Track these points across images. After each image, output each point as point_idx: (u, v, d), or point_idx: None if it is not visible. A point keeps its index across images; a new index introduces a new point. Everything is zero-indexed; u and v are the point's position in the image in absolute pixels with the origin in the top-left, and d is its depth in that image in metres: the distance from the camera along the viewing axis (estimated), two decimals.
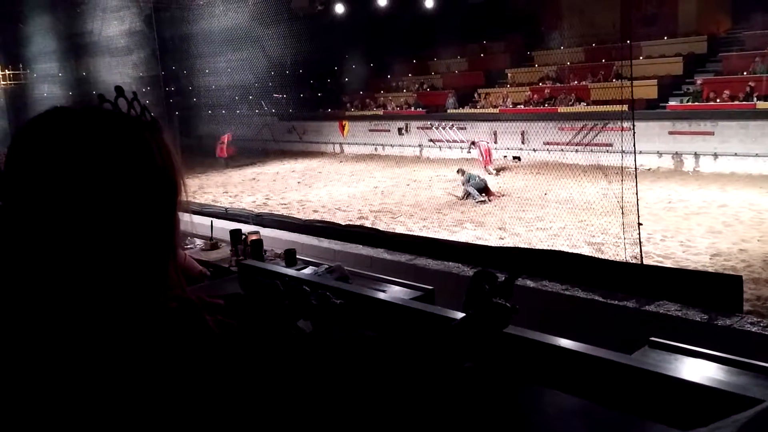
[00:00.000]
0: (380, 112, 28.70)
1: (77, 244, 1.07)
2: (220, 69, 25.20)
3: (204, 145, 25.80)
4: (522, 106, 24.09)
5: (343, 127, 28.61)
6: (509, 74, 26.56)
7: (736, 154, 18.43)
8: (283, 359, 1.57)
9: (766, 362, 2.54)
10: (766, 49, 20.19)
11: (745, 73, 20.26)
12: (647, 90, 20.99)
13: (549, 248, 10.36)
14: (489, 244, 10.39)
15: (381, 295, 3.19)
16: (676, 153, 19.62)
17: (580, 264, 7.10)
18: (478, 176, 16.57)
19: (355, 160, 26.10)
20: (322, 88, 30.41)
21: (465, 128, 23.75)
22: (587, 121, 20.01)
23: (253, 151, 27.11)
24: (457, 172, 17.14)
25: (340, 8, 26.42)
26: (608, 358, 2.14)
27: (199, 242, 6.39)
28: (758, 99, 19.01)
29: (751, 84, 19.42)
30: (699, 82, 21.18)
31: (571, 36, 22.31)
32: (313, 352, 1.84)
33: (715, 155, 18.87)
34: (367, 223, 13.59)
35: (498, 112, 24.15)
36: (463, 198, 16.38)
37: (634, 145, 9.49)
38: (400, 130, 26.76)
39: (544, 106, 23.40)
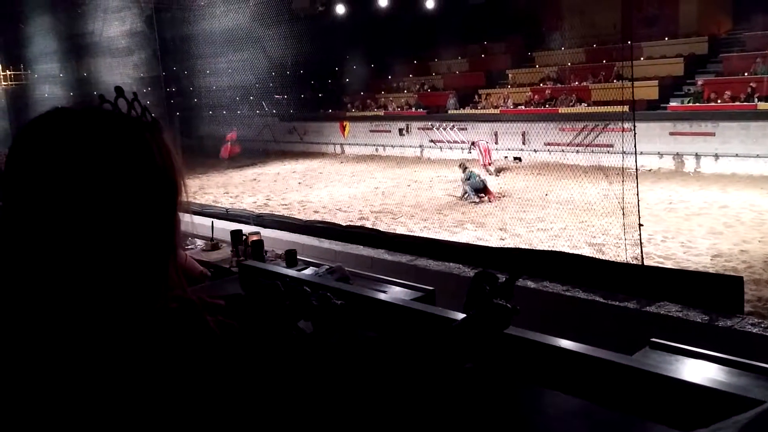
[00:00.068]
0: (381, 112, 28.69)
1: (77, 244, 1.07)
2: (221, 70, 25.20)
3: (205, 146, 25.81)
4: (523, 107, 24.09)
5: (343, 128, 28.61)
6: (510, 75, 26.55)
7: (737, 155, 18.42)
8: (284, 360, 1.57)
9: (767, 363, 2.53)
10: (767, 50, 20.20)
11: (746, 74, 20.25)
12: (648, 91, 20.98)
13: (550, 249, 10.37)
14: (490, 245, 10.38)
15: (382, 296, 3.19)
16: (677, 154, 19.61)
17: (580, 265, 7.09)
18: (479, 176, 16.55)
19: (355, 160, 26.10)
20: (323, 88, 30.41)
21: (466, 129, 23.76)
22: (588, 122, 19.99)
23: (254, 152, 27.13)
24: (459, 166, 17.12)
25: (341, 9, 26.42)
26: (609, 359, 2.14)
27: (199, 243, 6.39)
28: (759, 100, 18.99)
29: (752, 85, 19.41)
30: (700, 82, 21.17)
31: (572, 37, 22.30)
32: (313, 353, 1.84)
33: (716, 156, 18.86)
34: (368, 224, 13.59)
35: (499, 112, 24.15)
36: (462, 197, 16.38)
37: (635, 146, 9.50)
38: (400, 130, 26.75)
39: (544, 106, 23.39)
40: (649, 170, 18.96)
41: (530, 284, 6.56)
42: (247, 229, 6.30)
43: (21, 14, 23.52)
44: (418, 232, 12.83)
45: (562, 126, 20.78)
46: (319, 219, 13.70)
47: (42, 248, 1.07)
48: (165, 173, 1.16)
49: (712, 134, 19.03)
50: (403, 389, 1.72)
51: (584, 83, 22.96)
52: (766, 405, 1.02)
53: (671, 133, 19.77)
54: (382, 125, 27.68)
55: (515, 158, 21.49)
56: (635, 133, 9.57)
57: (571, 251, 10.31)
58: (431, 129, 25.41)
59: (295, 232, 9.76)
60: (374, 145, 27.51)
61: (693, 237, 11.85)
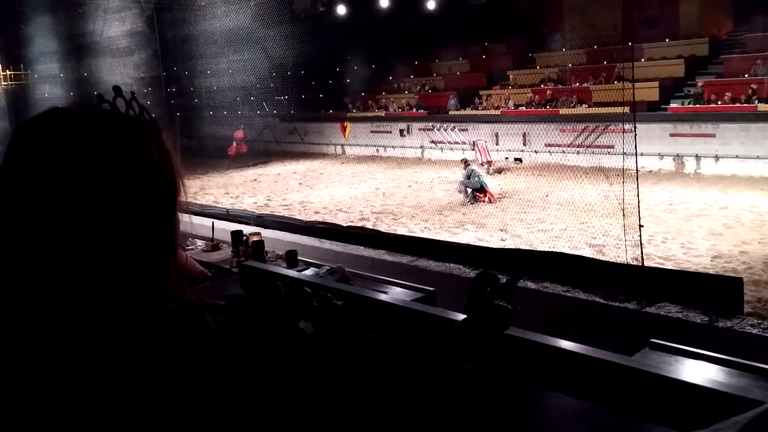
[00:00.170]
0: (382, 113, 28.70)
1: (76, 244, 1.07)
2: (221, 70, 25.24)
3: (205, 146, 25.83)
4: (524, 108, 24.10)
5: (344, 129, 28.62)
6: (511, 76, 26.56)
7: (737, 157, 18.42)
8: (284, 360, 1.57)
9: (767, 364, 2.54)
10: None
11: (746, 76, 20.26)
12: (648, 92, 21.00)
13: (550, 250, 10.37)
14: (490, 246, 10.38)
15: (382, 297, 3.19)
16: (678, 155, 19.61)
17: (581, 266, 7.10)
18: (479, 177, 16.52)
19: (356, 161, 26.11)
20: (323, 89, 30.44)
21: (467, 130, 23.77)
22: (589, 123, 20.00)
23: (257, 152, 27.18)
24: (461, 161, 17.11)
25: (342, 9, 26.44)
26: (609, 359, 2.14)
27: (200, 243, 6.39)
28: (759, 101, 19.01)
29: (753, 86, 19.42)
30: (700, 84, 21.19)
31: (572, 38, 22.30)
32: (314, 354, 1.84)
33: (717, 157, 18.86)
34: (369, 225, 13.59)
35: (500, 113, 24.16)
36: (458, 191, 16.41)
37: (636, 147, 9.51)
38: (401, 131, 26.76)
39: (545, 107, 23.41)
40: (650, 171, 18.96)
41: (531, 285, 6.57)
42: (247, 229, 6.30)
43: (21, 14, 23.53)
44: (418, 233, 12.84)
45: (563, 127, 20.79)
46: (320, 220, 13.71)
47: (40, 249, 1.07)
48: (163, 173, 1.16)
49: (713, 136, 19.03)
50: (404, 390, 1.72)
51: (585, 84, 22.96)
52: (766, 406, 1.02)
53: (671, 135, 19.77)
54: (382, 126, 27.69)
55: (516, 159, 21.49)
56: (636, 135, 9.57)
57: (571, 252, 10.31)
58: (432, 130, 25.42)
59: (295, 233, 9.77)
60: (375, 146, 27.52)
61: (693, 238, 11.85)
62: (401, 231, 13.20)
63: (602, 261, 8.78)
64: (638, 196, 9.24)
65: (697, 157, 19.26)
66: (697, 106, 20.39)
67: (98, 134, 1.11)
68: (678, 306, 5.84)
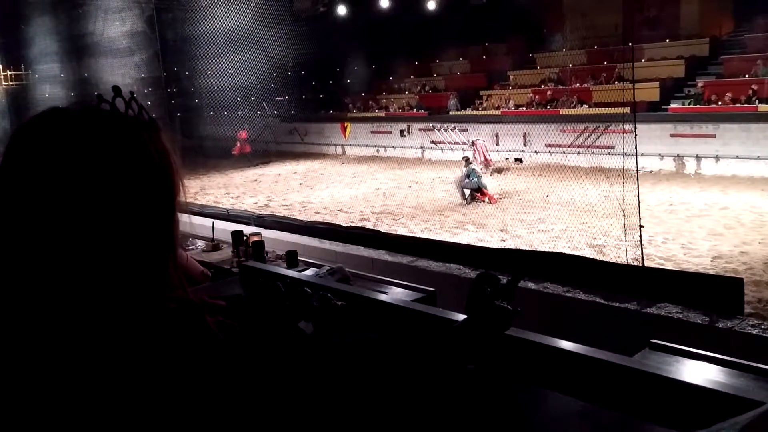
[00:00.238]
0: (382, 113, 28.70)
1: (74, 245, 1.07)
2: (222, 70, 25.23)
3: (206, 147, 25.84)
4: (524, 108, 24.11)
5: (344, 129, 28.62)
6: (511, 76, 26.55)
7: (737, 157, 18.42)
8: (285, 361, 1.57)
9: (767, 364, 2.54)
10: None
11: (746, 76, 20.25)
12: (649, 92, 21.01)
13: (550, 250, 10.37)
14: (490, 246, 10.37)
15: (382, 297, 3.19)
16: (678, 155, 19.61)
17: (581, 266, 7.09)
18: (478, 177, 16.50)
19: (356, 161, 26.11)
20: (324, 89, 30.45)
21: (467, 130, 23.77)
22: (589, 124, 19.99)
23: (259, 152, 27.23)
24: (463, 159, 17.11)
25: (342, 10, 26.44)
26: (609, 360, 2.14)
27: (200, 243, 6.39)
28: (760, 102, 19.00)
29: (753, 87, 19.42)
30: (700, 84, 21.18)
31: (573, 38, 22.30)
32: (314, 354, 1.84)
33: (717, 158, 18.86)
34: (369, 225, 13.59)
35: (500, 114, 24.16)
36: (459, 187, 16.43)
37: (636, 148, 9.50)
38: (402, 131, 26.76)
39: (546, 108, 23.41)
40: (650, 172, 18.95)
41: (531, 285, 6.56)
42: (247, 229, 6.30)
43: (22, 15, 23.53)
44: (419, 233, 12.84)
45: (563, 127, 20.78)
46: (320, 220, 13.71)
47: (38, 249, 1.07)
48: (162, 173, 1.16)
49: (713, 136, 19.03)
50: (404, 390, 1.72)
51: (585, 85, 22.97)
52: (766, 406, 1.02)
53: (672, 135, 19.77)
54: (383, 126, 27.69)
55: (516, 159, 21.49)
56: (636, 135, 9.57)
57: (571, 252, 10.30)
58: (432, 130, 25.42)
59: (296, 233, 9.76)
60: (375, 146, 27.52)
61: (693, 238, 11.85)
62: (401, 231, 13.20)
63: (602, 261, 8.77)
64: (638, 196, 9.24)
65: (698, 158, 19.25)
66: (698, 106, 20.38)
67: (97, 134, 1.11)
68: (678, 306, 5.83)
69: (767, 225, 12.60)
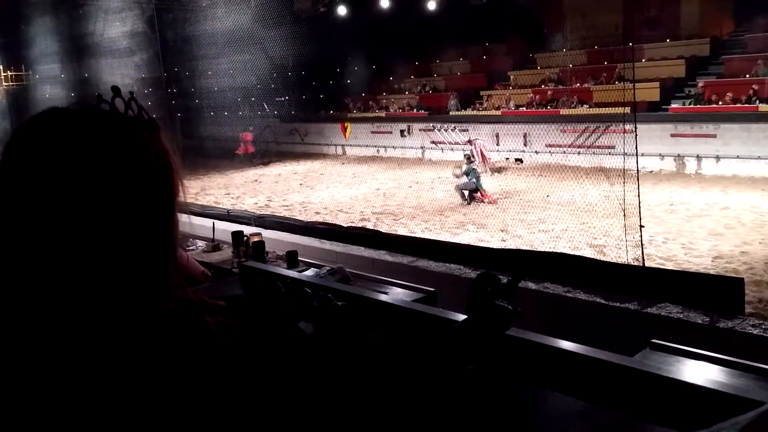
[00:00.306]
0: (382, 113, 28.69)
1: (73, 245, 1.07)
2: (222, 71, 25.23)
3: (206, 147, 25.85)
4: (524, 108, 24.11)
5: (345, 129, 28.62)
6: (511, 76, 26.55)
7: (738, 157, 18.40)
8: (285, 361, 1.57)
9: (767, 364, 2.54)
10: None
11: (747, 76, 20.24)
12: (649, 92, 21.00)
13: (551, 250, 10.36)
14: (491, 246, 10.37)
15: (383, 297, 3.19)
16: (678, 155, 19.60)
17: (581, 266, 7.09)
18: (476, 177, 16.47)
19: (357, 161, 26.10)
20: (324, 89, 30.45)
21: (467, 130, 23.76)
22: (589, 124, 19.99)
23: (262, 153, 27.26)
24: (465, 156, 17.09)
25: (342, 10, 26.43)
26: (610, 360, 2.14)
27: (200, 244, 6.39)
28: (761, 102, 19.00)
29: (754, 86, 19.40)
30: (701, 84, 21.17)
31: (573, 38, 22.29)
32: (314, 354, 1.84)
33: (717, 158, 18.84)
34: (369, 225, 13.58)
35: (500, 114, 24.15)
36: (459, 178, 16.44)
37: (636, 148, 9.50)
38: (402, 132, 26.75)
39: (546, 108, 23.41)
40: (650, 172, 18.94)
41: (531, 285, 6.56)
42: (248, 230, 6.30)
43: (22, 15, 23.53)
44: (419, 233, 12.83)
45: (564, 127, 20.78)
46: (321, 220, 13.71)
47: (37, 249, 1.07)
48: (162, 173, 1.16)
49: (714, 136, 19.01)
50: (404, 391, 1.72)
51: (586, 85, 22.97)
52: (766, 406, 1.02)
53: (672, 135, 19.75)
54: (383, 126, 27.68)
55: (517, 160, 21.49)
56: (636, 135, 9.57)
57: (572, 252, 10.30)
58: (432, 130, 25.41)
59: (296, 233, 9.76)
60: (375, 147, 27.50)
61: (694, 238, 11.84)
62: (402, 231, 13.19)
63: (603, 261, 8.77)
64: (639, 196, 9.24)
65: (698, 158, 19.24)
66: (698, 106, 20.37)
67: (96, 134, 1.11)
68: (679, 306, 5.83)
69: None
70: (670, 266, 9.77)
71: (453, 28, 25.10)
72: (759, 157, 17.95)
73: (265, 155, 27.40)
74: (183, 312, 1.16)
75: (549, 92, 23.88)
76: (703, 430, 1.02)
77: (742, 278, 6.37)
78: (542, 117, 22.23)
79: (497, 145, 21.82)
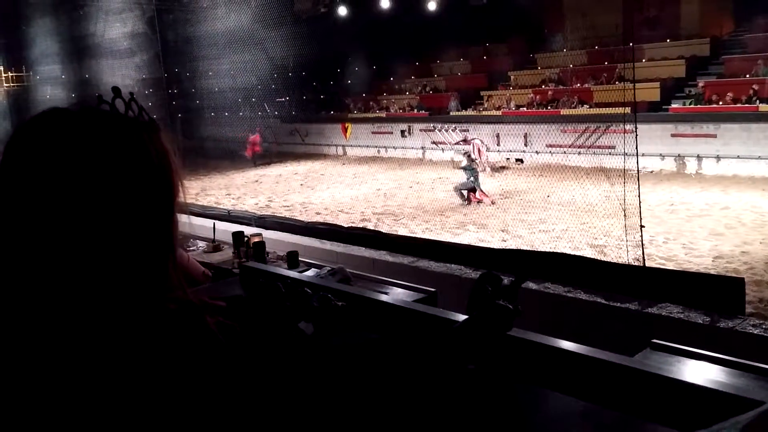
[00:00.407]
0: (383, 114, 28.70)
1: (73, 245, 1.07)
2: (223, 71, 25.24)
3: (207, 148, 25.86)
4: (525, 109, 24.11)
5: (345, 130, 28.63)
6: (512, 77, 26.55)
7: (738, 157, 18.40)
8: (285, 361, 1.57)
9: None
10: None
11: (747, 76, 20.24)
12: (649, 92, 20.99)
13: (551, 250, 10.36)
14: (491, 247, 10.37)
15: (383, 298, 3.19)
16: (679, 155, 19.60)
17: (582, 266, 7.08)
18: (474, 177, 16.44)
19: (357, 162, 26.11)
20: (324, 90, 30.46)
21: (467, 130, 23.76)
22: (590, 124, 19.99)
23: (268, 153, 27.31)
24: (464, 154, 17.07)
25: (342, 10, 26.43)
26: (610, 360, 2.14)
27: (201, 244, 6.40)
28: (761, 101, 18.99)
29: (754, 86, 19.40)
30: (701, 84, 21.16)
31: (573, 38, 22.30)
32: (314, 354, 1.84)
33: (718, 158, 18.84)
34: (370, 226, 13.59)
35: (501, 114, 24.15)
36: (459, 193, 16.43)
37: (636, 148, 9.49)
38: (402, 132, 26.75)
39: (546, 108, 23.40)
40: (651, 172, 18.94)
41: (532, 285, 6.56)
42: (248, 230, 6.31)
43: (23, 16, 23.55)
44: (420, 234, 12.84)
45: (564, 127, 20.78)
46: (321, 220, 13.71)
47: (36, 249, 1.07)
48: (162, 173, 1.16)
49: (714, 136, 19.01)
50: (405, 391, 1.72)
51: (586, 85, 22.97)
52: (766, 406, 1.02)
53: (673, 135, 19.76)
54: (383, 127, 27.69)
55: (517, 160, 21.50)
56: (636, 135, 9.56)
57: (572, 253, 10.30)
58: (433, 130, 25.41)
59: (296, 234, 9.75)
60: (376, 147, 27.51)
61: (694, 238, 11.85)
62: (402, 232, 13.20)
63: (603, 261, 8.77)
64: (639, 196, 9.24)
65: (699, 158, 19.24)
66: (699, 106, 20.37)
67: (96, 134, 1.11)
68: (679, 306, 5.83)
69: None
70: (670, 266, 9.78)
71: (453, 28, 25.10)
72: (759, 157, 17.95)
73: (266, 156, 27.43)
74: (183, 312, 1.16)
75: (549, 92, 23.88)
76: (704, 429, 1.02)
77: (743, 278, 6.37)
78: (543, 117, 22.23)
79: (498, 145, 21.82)
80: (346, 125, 28.71)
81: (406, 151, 26.20)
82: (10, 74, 26.17)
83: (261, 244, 5.37)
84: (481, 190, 16.32)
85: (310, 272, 4.52)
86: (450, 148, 23.95)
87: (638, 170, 9.69)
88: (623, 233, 10.08)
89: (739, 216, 13.45)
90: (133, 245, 1.12)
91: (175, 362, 1.09)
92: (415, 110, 27.81)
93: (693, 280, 6.54)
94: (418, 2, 25.59)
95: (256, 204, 18.03)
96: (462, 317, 2.26)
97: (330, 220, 14.41)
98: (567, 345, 2.27)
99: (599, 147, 18.34)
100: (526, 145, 21.63)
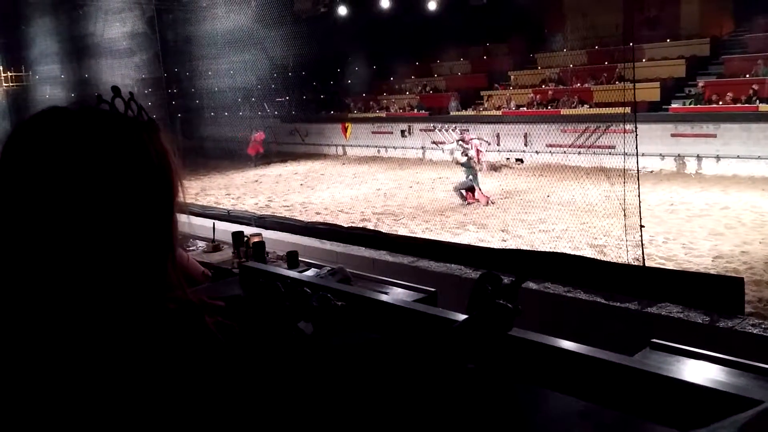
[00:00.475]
0: (383, 114, 28.69)
1: (72, 244, 1.07)
2: (222, 71, 25.23)
3: (207, 147, 25.85)
4: (525, 108, 24.11)
5: (345, 129, 28.62)
6: (512, 76, 26.55)
7: (738, 157, 18.40)
8: (284, 361, 1.57)
9: (767, 364, 2.54)
10: None
11: (747, 76, 20.24)
12: (649, 92, 21.00)
13: (551, 250, 10.36)
14: (491, 246, 10.37)
15: (383, 297, 3.19)
16: (679, 155, 19.60)
17: (582, 266, 7.09)
18: (473, 175, 16.43)
19: (357, 162, 26.10)
20: (324, 90, 30.45)
21: (468, 130, 23.74)
22: (590, 124, 19.99)
23: (271, 153, 27.33)
24: (463, 153, 17.04)
25: (342, 10, 26.42)
26: (610, 359, 2.14)
27: (201, 244, 6.39)
28: (761, 101, 18.99)
29: (754, 86, 19.40)
30: (701, 84, 21.16)
31: (573, 38, 22.30)
32: (313, 354, 1.84)
33: (718, 158, 18.84)
34: (370, 225, 13.58)
35: (501, 114, 24.15)
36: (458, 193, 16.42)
37: (636, 148, 9.49)
38: (402, 132, 26.75)
39: (546, 108, 23.40)
40: (651, 172, 18.94)
41: (532, 285, 6.56)
42: (248, 230, 6.31)
43: (22, 15, 23.54)
44: (420, 234, 12.83)
45: (564, 127, 20.78)
46: (321, 220, 13.71)
47: (35, 248, 1.07)
48: (161, 173, 1.16)
49: (714, 136, 19.01)
50: (405, 390, 1.72)
51: (586, 85, 22.97)
52: (765, 405, 1.02)
53: (673, 135, 19.76)
54: (383, 127, 27.69)
55: (517, 160, 21.49)
56: (636, 135, 9.56)
57: (572, 252, 10.30)
58: (433, 130, 25.40)
59: (296, 234, 9.76)
60: (376, 147, 27.51)
61: (694, 238, 11.84)
62: (402, 232, 13.19)
63: (603, 261, 8.77)
64: (639, 196, 9.24)
65: (699, 158, 19.24)
66: (698, 106, 20.37)
67: (96, 134, 1.11)
68: (679, 306, 5.83)
69: None
70: (670, 266, 9.78)
71: (453, 28, 25.11)
72: (759, 157, 17.95)
73: (266, 155, 27.44)
74: (182, 312, 1.16)
75: (549, 92, 23.88)
76: (702, 428, 1.02)
77: (742, 278, 6.38)
78: (543, 117, 22.23)
79: (498, 145, 21.82)
80: (346, 125, 28.70)
81: (406, 151, 26.20)
82: (9, 74, 26.16)
83: (261, 244, 5.37)
84: (480, 190, 16.30)
85: (310, 272, 4.52)
86: (449, 147, 23.97)
87: (638, 170, 9.69)
88: (623, 233, 10.08)
89: (739, 216, 13.45)
90: (133, 245, 1.12)
91: (174, 361, 1.09)
92: (415, 110, 27.81)
93: (693, 280, 6.54)
94: (418, 2, 25.59)
95: (256, 204, 18.03)
96: (462, 317, 2.26)
97: (330, 220, 14.41)
98: (567, 345, 2.27)
99: (599, 147, 18.34)
100: (526, 144, 21.63)
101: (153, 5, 21.48)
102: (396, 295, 3.80)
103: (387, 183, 20.46)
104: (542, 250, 10.55)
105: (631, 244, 9.38)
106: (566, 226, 12.89)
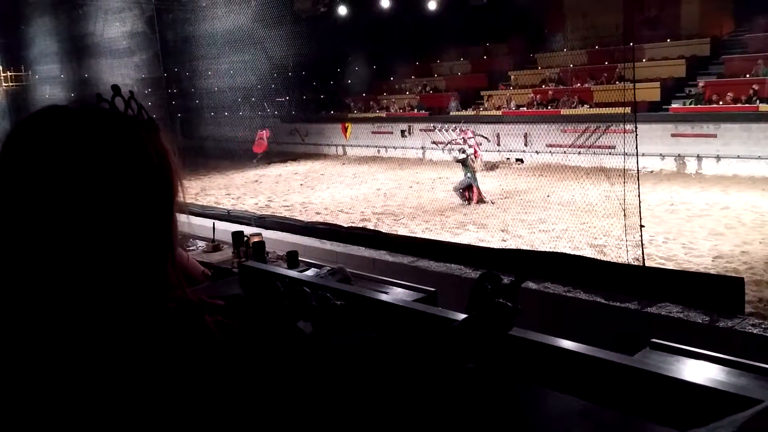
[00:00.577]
0: (383, 114, 28.69)
1: (71, 244, 1.06)
2: (222, 71, 25.24)
3: (206, 147, 25.85)
4: (525, 108, 24.10)
5: (345, 129, 28.62)
6: (512, 76, 26.54)
7: (738, 157, 18.40)
8: (284, 360, 1.57)
9: (767, 364, 2.53)
10: None
11: (747, 76, 20.23)
12: (650, 92, 20.99)
13: (551, 250, 10.36)
14: (491, 246, 10.37)
15: (383, 297, 3.19)
16: (679, 155, 19.60)
17: (582, 266, 7.09)
18: (469, 174, 16.41)
19: (357, 162, 26.11)
20: (324, 89, 30.45)
21: (467, 129, 23.73)
22: (590, 124, 19.99)
23: (276, 152, 27.35)
24: (461, 152, 17.01)
25: (342, 10, 26.42)
26: (610, 359, 2.14)
27: (201, 244, 6.39)
28: (761, 101, 18.99)
29: (754, 86, 19.39)
30: (701, 84, 21.16)
31: (573, 38, 22.30)
32: (313, 353, 1.84)
33: (718, 158, 18.85)
34: (370, 225, 13.58)
35: (501, 114, 24.14)
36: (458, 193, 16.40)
37: (636, 148, 9.50)
38: (402, 132, 26.75)
39: (546, 108, 23.40)
40: (651, 171, 18.94)
41: (532, 285, 6.56)
42: (248, 230, 6.30)
43: (22, 15, 23.54)
44: (419, 234, 12.83)
45: (564, 127, 20.78)
46: (321, 220, 13.71)
47: (34, 248, 1.06)
48: (161, 172, 1.16)
49: (714, 136, 19.02)
50: (404, 390, 1.72)
51: (586, 85, 22.96)
52: (765, 404, 1.02)
53: (673, 135, 19.76)
54: (383, 127, 27.69)
55: (517, 160, 21.50)
56: (636, 135, 9.57)
57: (572, 252, 10.30)
58: (433, 130, 25.40)
59: (296, 234, 9.76)
60: (376, 147, 27.50)
61: (694, 238, 11.84)
62: (402, 231, 13.19)
63: (603, 261, 8.77)
64: (639, 196, 9.24)
65: (699, 158, 19.24)
66: (699, 106, 20.37)
67: (95, 133, 1.11)
68: (679, 306, 5.84)
69: None
70: (670, 266, 9.78)
71: (453, 28, 25.10)
72: (759, 157, 17.96)
73: (266, 155, 27.45)
74: (182, 311, 1.16)
75: (549, 92, 23.87)
76: (701, 428, 1.02)
77: (742, 278, 6.38)
78: (543, 117, 22.23)
79: (498, 145, 21.81)
80: (346, 125, 28.70)
81: (406, 151, 26.20)
82: (9, 74, 26.16)
83: (261, 244, 5.36)
84: (478, 190, 16.28)
85: (310, 272, 4.51)
86: (449, 148, 23.95)
87: (638, 170, 9.69)
88: (623, 233, 10.09)
89: (739, 216, 13.45)
90: (133, 244, 1.12)
91: (174, 361, 1.09)
92: (415, 110, 27.80)
93: (693, 280, 6.54)
94: (418, 2, 25.58)
95: (256, 204, 18.03)
96: (462, 317, 2.26)
97: (330, 219, 14.41)
98: (567, 344, 2.27)
99: (599, 147, 18.33)
100: (526, 144, 21.64)
101: (153, 5, 21.50)
102: (396, 294, 3.80)
103: (387, 183, 20.46)
104: (542, 250, 10.54)
105: (631, 244, 9.38)
106: (566, 226, 12.89)
